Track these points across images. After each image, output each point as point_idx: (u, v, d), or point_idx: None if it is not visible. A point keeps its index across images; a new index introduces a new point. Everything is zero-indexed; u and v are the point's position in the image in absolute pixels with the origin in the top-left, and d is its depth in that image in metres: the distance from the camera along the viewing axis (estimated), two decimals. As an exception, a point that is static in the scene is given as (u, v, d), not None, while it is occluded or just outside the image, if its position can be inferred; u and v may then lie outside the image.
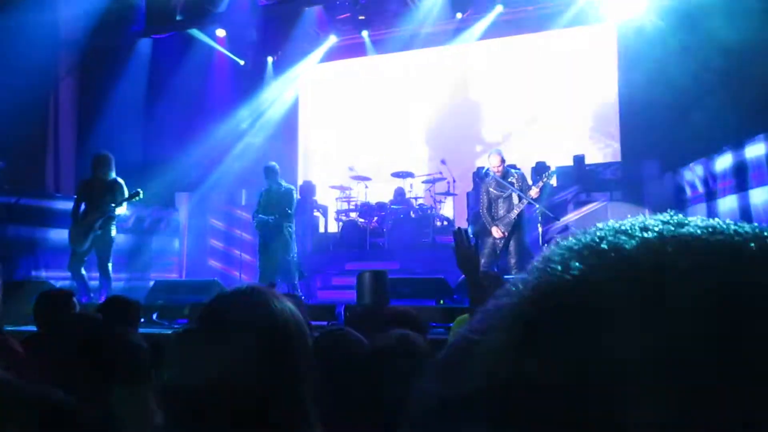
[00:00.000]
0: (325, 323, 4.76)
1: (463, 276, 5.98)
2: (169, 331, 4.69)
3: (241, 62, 11.43)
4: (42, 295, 3.18)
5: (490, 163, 6.50)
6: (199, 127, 10.51)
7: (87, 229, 6.25)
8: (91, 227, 6.23)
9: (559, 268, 0.36)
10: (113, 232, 6.43)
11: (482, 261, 6.48)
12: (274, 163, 6.98)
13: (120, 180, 6.43)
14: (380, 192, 9.96)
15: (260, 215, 6.67)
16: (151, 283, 7.11)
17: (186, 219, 9.66)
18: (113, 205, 6.22)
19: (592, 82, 10.05)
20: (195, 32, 10.42)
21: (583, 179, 7.84)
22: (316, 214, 10.03)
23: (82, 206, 6.41)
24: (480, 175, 7.63)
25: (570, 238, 0.39)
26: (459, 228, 2.39)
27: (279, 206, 6.68)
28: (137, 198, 6.29)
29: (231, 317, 1.01)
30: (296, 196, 6.94)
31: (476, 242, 2.39)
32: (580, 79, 10.12)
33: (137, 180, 7.82)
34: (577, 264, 0.36)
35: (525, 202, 6.32)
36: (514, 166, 7.56)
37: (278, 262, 6.67)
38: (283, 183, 6.83)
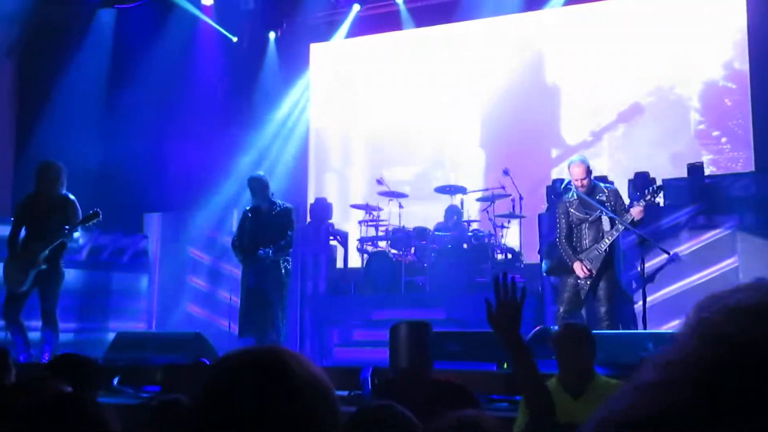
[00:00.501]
0: (345, 392, 4.76)
1: (536, 329, 5.95)
2: (135, 402, 4.73)
3: (234, 39, 11.66)
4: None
5: (572, 174, 6.48)
6: (177, 126, 10.72)
7: (28, 262, 6.39)
8: (34, 261, 6.37)
9: (731, 332, 0.44)
10: (62, 268, 6.56)
11: (561, 309, 6.43)
12: (261, 173, 7.03)
13: (72, 197, 6.58)
14: (419, 213, 9.97)
15: (260, 249, 6.65)
16: (111, 336, 7.20)
17: (158, 249, 9.81)
18: (66, 229, 6.35)
19: (712, 62, 9.97)
20: (173, -1, 10.70)
21: (701, 196, 7.75)
22: (333, 243, 10.09)
23: (22, 232, 6.56)
24: (557, 191, 7.58)
25: (724, 299, 0.47)
26: (504, 274, 2.43)
27: (273, 234, 6.70)
28: (94, 221, 6.43)
29: (239, 393, 1.02)
30: (296, 218, 6.95)
31: (522, 295, 2.44)
32: (694, 59, 10.05)
33: (94, 196, 7.99)
34: (753, 329, 0.43)
35: (620, 228, 6.27)
36: (604, 179, 7.51)
37: (268, 311, 6.64)
38: (278, 201, 6.87)
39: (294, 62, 11.91)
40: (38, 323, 6.59)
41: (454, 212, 9.30)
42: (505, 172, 9.03)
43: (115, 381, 5.57)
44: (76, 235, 6.50)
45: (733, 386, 0.42)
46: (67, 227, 6.36)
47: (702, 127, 10.00)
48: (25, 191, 6.87)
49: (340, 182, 11.84)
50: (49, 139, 9.21)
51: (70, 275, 7.04)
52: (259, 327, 6.69)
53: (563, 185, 6.62)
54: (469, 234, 9.07)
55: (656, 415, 0.43)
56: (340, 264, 10.23)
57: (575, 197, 6.38)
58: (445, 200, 9.52)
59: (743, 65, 9.69)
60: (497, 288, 2.40)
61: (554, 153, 10.64)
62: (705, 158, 9.37)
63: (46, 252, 6.39)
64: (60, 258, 6.53)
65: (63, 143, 8.79)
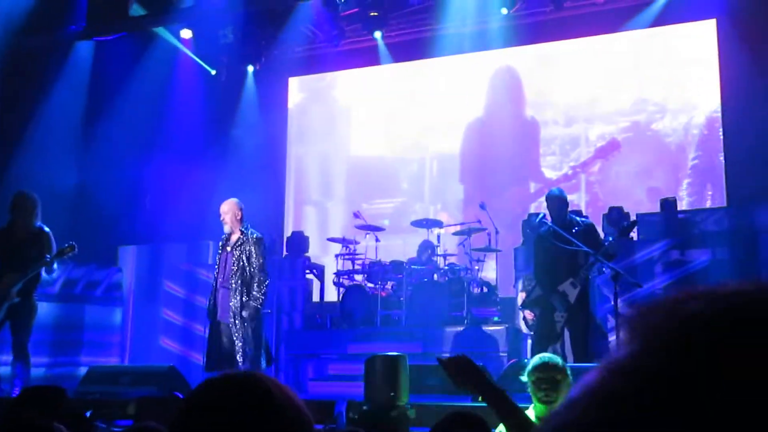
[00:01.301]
0: (320, 426, 4.77)
1: (510, 362, 5.99)
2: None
3: (213, 72, 11.77)
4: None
5: (548, 207, 6.58)
6: (153, 158, 10.74)
7: (1, 295, 6.36)
8: (7, 294, 6.35)
9: (679, 342, 0.45)
10: (35, 301, 6.53)
11: (536, 342, 6.49)
12: (234, 201, 6.87)
13: (47, 229, 6.59)
14: (395, 247, 10.04)
15: (237, 313, 6.40)
16: (84, 370, 7.16)
17: (132, 282, 9.79)
18: (47, 259, 6.31)
19: (685, 98, 10.20)
20: (154, 30, 10.78)
21: (675, 231, 7.89)
22: (309, 276, 10.11)
23: (-5, 264, 6.54)
24: (533, 225, 7.69)
25: (673, 305, 0.48)
26: (439, 358, 2.55)
27: (239, 271, 6.54)
28: (70, 254, 6.42)
29: (218, 413, 1.03)
30: (263, 249, 6.80)
31: (462, 354, 2.56)
32: (668, 95, 10.28)
33: (69, 228, 7.99)
34: (704, 339, 0.44)
35: (595, 262, 6.36)
36: (579, 213, 7.63)
37: (237, 345, 6.49)
38: (249, 231, 6.74)
39: (272, 95, 12.03)
40: (9, 357, 6.54)
41: (427, 247, 9.35)
42: (482, 206, 9.12)
43: (87, 414, 5.53)
44: (53, 267, 6.46)
45: (679, 399, 0.42)
46: (48, 256, 6.34)
47: (674, 162, 10.18)
48: (-2, 223, 6.84)
49: (318, 215, 11.90)
50: (24, 170, 9.22)
51: (43, 308, 7.01)
52: (220, 359, 6.55)
53: (538, 219, 6.74)
54: (445, 268, 9.13)
55: (606, 429, 0.44)
56: (316, 298, 10.24)
57: (552, 231, 6.47)
58: (423, 234, 9.59)
59: (715, 101, 9.92)
60: (443, 365, 2.48)
61: (533, 187, 10.78)
62: (678, 193, 9.55)
63: (20, 284, 6.37)
64: (33, 291, 6.51)
65: (38, 174, 8.80)
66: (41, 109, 10.06)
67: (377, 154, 11.68)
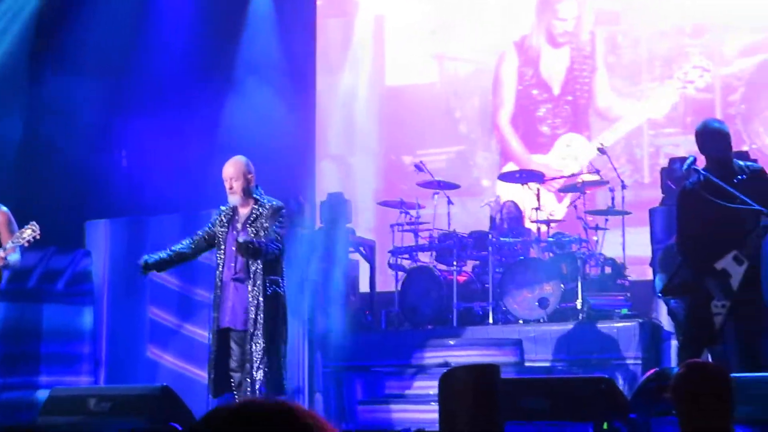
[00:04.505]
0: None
1: (648, 374, 6.00)
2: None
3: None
4: None
5: (700, 148, 6.43)
6: (128, 101, 10.79)
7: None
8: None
9: None
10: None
11: (684, 343, 6.41)
12: (240, 157, 6.83)
13: (4, 208, 6.67)
14: (477, 212, 10.01)
15: (237, 275, 6.49)
16: (44, 394, 7.27)
17: (106, 271, 9.92)
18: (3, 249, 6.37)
19: None
20: None
21: None
22: (354, 257, 10.14)
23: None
24: (677, 175, 7.56)
25: None
26: None
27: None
28: (32, 237, 6.44)
29: None
30: (287, 222, 6.76)
31: None
32: None
33: (15, 198, 8.10)
34: None
35: (769, 225, 6.21)
36: (744, 156, 7.46)
37: (253, 358, 6.50)
38: (263, 198, 6.72)
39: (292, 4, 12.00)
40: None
41: (508, 215, 9.30)
42: (600, 150, 9.02)
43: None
44: (15, 257, 6.54)
45: None
46: (11, 242, 6.42)
47: None
48: None
49: (362, 168, 11.88)
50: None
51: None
52: (227, 382, 6.59)
53: (686, 165, 6.56)
54: (550, 240, 9.06)
55: None
56: (364, 287, 10.27)
57: (707, 181, 6.31)
58: (515, 191, 9.54)
59: None
60: None
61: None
62: None
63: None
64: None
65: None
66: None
67: (425, 83, 11.62)
